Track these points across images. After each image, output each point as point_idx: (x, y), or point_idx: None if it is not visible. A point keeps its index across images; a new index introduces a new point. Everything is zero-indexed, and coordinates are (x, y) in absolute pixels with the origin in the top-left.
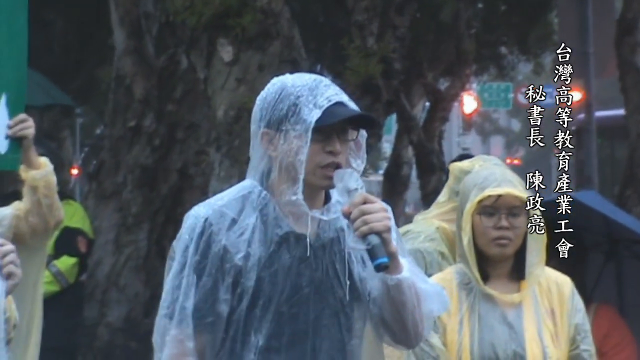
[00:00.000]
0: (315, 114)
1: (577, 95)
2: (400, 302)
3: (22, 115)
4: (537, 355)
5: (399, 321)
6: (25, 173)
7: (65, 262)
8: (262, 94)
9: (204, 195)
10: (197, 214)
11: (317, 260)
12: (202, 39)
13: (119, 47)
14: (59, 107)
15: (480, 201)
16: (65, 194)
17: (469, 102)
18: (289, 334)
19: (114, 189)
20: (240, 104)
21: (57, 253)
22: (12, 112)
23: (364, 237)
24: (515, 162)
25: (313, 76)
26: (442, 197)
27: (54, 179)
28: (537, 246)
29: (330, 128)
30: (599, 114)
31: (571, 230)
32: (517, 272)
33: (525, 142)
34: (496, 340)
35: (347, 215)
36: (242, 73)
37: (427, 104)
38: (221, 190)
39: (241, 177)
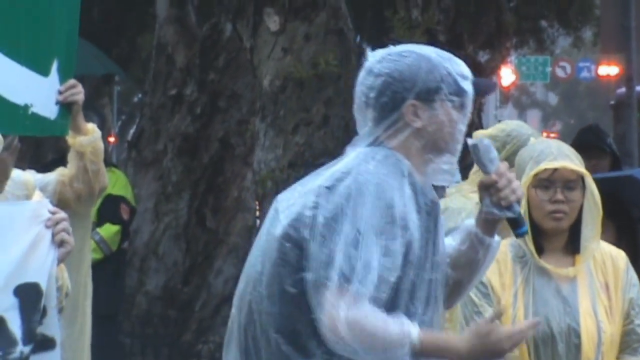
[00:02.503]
0: (468, 85)
1: (615, 70)
2: (489, 263)
3: (72, 81)
4: (591, 330)
5: (471, 282)
6: (72, 139)
7: (108, 230)
8: (394, 65)
9: (245, 165)
10: (356, 179)
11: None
12: (248, 8)
13: (161, 15)
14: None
15: (536, 174)
16: (107, 161)
17: (506, 75)
18: (434, 300)
19: (153, 157)
20: (287, 73)
21: (100, 221)
22: (63, 78)
23: (509, 206)
24: (552, 135)
25: (432, 47)
26: (474, 168)
27: (101, 145)
28: (592, 220)
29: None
30: (638, 88)
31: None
32: (572, 245)
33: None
34: (550, 314)
35: (489, 185)
36: (289, 43)
37: None
38: (266, 161)
39: (286, 147)
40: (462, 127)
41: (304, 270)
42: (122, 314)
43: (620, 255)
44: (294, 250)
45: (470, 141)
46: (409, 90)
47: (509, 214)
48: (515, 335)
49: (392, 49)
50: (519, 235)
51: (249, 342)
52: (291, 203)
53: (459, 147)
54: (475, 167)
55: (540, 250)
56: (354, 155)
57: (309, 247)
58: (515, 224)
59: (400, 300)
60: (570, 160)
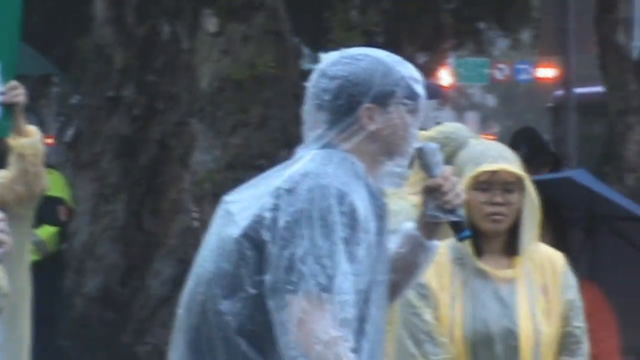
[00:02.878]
0: (421, 89)
1: (553, 72)
2: (423, 266)
3: (14, 83)
4: (529, 332)
5: (407, 285)
6: (14, 141)
7: (46, 231)
8: (349, 68)
9: (183, 166)
10: (317, 182)
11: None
12: (186, 10)
13: (99, 17)
14: (36, 76)
15: (475, 177)
16: (45, 163)
17: (445, 77)
18: (382, 302)
19: (91, 158)
20: (225, 75)
21: (38, 222)
22: (4, 80)
23: (453, 209)
24: (490, 137)
25: (383, 51)
26: (413, 169)
27: (42, 147)
28: (531, 222)
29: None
30: (576, 90)
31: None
32: (511, 247)
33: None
34: (488, 316)
35: (433, 189)
36: (227, 44)
37: None
38: (204, 162)
39: (224, 148)
40: (415, 131)
41: (263, 272)
42: (60, 316)
43: (558, 257)
44: (253, 252)
45: (416, 144)
46: (365, 93)
47: (453, 218)
48: None
49: (346, 52)
50: (461, 239)
51: (202, 343)
52: (246, 205)
53: (411, 150)
54: (414, 169)
55: (479, 252)
56: (309, 157)
57: (269, 250)
58: (457, 228)
59: (358, 305)
60: (509, 162)
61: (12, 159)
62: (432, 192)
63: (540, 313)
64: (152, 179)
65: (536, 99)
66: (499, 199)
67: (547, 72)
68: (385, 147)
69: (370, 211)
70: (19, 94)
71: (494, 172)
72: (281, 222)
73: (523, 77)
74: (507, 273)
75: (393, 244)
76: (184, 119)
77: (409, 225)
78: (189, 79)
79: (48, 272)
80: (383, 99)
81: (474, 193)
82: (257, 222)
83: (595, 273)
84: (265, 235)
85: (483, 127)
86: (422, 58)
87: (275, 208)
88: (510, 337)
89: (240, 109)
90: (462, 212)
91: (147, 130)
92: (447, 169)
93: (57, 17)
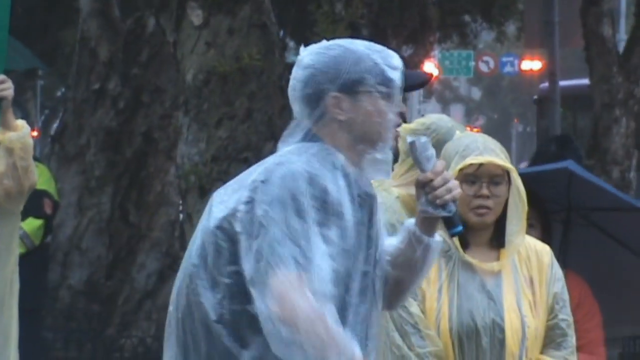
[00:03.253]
0: (397, 75)
1: (538, 65)
2: (429, 262)
3: (1, 76)
4: (515, 324)
5: (414, 281)
6: (2, 135)
7: (31, 224)
8: (318, 58)
9: (168, 159)
10: (289, 169)
11: (376, 221)
12: (171, 2)
13: (85, 10)
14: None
15: (461, 169)
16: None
17: (430, 70)
18: (369, 293)
19: (76, 151)
20: (210, 67)
21: (23, 215)
22: None
23: (444, 205)
24: (475, 130)
25: (363, 41)
26: (399, 161)
27: (30, 141)
28: (517, 215)
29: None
30: (561, 83)
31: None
32: (497, 240)
33: (485, 110)
34: (475, 308)
35: (425, 184)
36: (212, 37)
37: None
38: (189, 155)
39: (209, 141)
40: (392, 116)
41: (236, 263)
42: (45, 309)
43: (545, 250)
44: (227, 243)
45: (408, 138)
46: (331, 82)
47: (444, 213)
48: None
49: (324, 43)
50: (453, 234)
51: (187, 335)
52: (225, 199)
53: (391, 135)
54: (399, 161)
55: (465, 245)
56: (287, 150)
57: (243, 241)
58: (449, 223)
59: (338, 289)
60: (496, 154)
61: (0, 154)
62: (423, 187)
63: (527, 306)
64: (137, 171)
65: (521, 92)
66: (485, 191)
67: (532, 64)
68: (361, 135)
69: (348, 200)
70: (6, 87)
71: (480, 165)
72: (259, 212)
73: (508, 69)
74: (493, 266)
75: (395, 239)
76: (169, 112)
77: (410, 221)
78: (174, 72)
79: (33, 265)
80: (351, 87)
81: (460, 185)
82: (231, 215)
83: (570, 264)
84: (238, 227)
85: (468, 119)
86: (407, 51)
87: (250, 200)
88: (497, 329)
89: (225, 101)
90: (454, 207)
91: (132, 123)
92: (439, 164)
93: (42, 9)
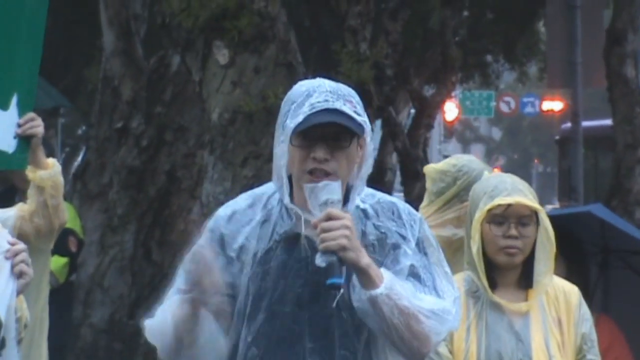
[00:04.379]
0: (297, 120)
1: (559, 105)
2: (379, 317)
3: (32, 114)
4: None
5: (386, 335)
6: (32, 173)
7: (56, 262)
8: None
9: (191, 198)
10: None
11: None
12: (198, 41)
13: (108, 48)
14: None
15: (489, 209)
16: None
17: (450, 110)
18: (281, 333)
19: (99, 189)
20: (235, 106)
21: None
22: (22, 112)
23: (324, 254)
24: (496, 170)
25: (318, 82)
26: (424, 202)
27: (61, 179)
28: (545, 255)
29: (314, 134)
30: (584, 124)
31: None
32: (525, 280)
33: (506, 151)
34: (503, 349)
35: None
36: (238, 76)
37: (412, 110)
38: (214, 194)
39: (234, 180)
40: (283, 162)
41: None
42: (68, 347)
43: (573, 291)
44: None
45: (307, 185)
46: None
47: (318, 261)
48: None
49: None
50: (328, 285)
51: None
52: None
53: (284, 181)
54: (424, 202)
55: (493, 285)
56: None
57: None
58: (327, 273)
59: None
60: (524, 195)
61: (31, 192)
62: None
63: (555, 346)
64: (160, 210)
65: (541, 132)
66: (513, 232)
67: (552, 105)
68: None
69: (258, 235)
70: (36, 125)
71: (508, 206)
72: None
73: (529, 110)
74: (521, 306)
75: None
76: (192, 151)
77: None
78: (198, 110)
79: (58, 303)
80: (280, 129)
81: (488, 226)
82: None
83: (609, 307)
84: None
85: (488, 159)
86: (429, 90)
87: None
88: None
89: (251, 140)
90: (332, 257)
91: (156, 161)
92: (327, 211)
93: (64, 47)
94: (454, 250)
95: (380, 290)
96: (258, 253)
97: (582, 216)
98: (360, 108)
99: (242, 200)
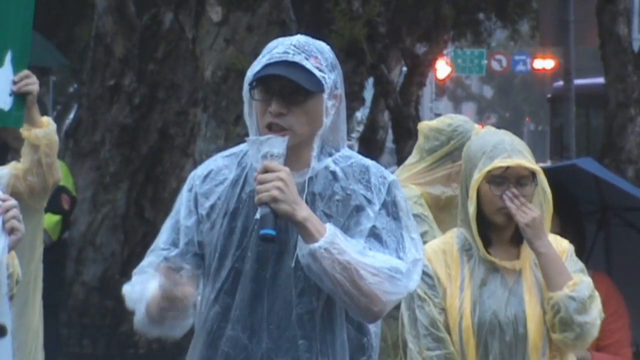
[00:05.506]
0: (254, 70)
1: (550, 63)
2: (320, 272)
3: (26, 72)
4: (537, 319)
5: (331, 292)
6: (27, 131)
7: (49, 220)
8: None
9: (184, 155)
10: None
11: (282, 221)
12: None
13: (100, 6)
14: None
15: (489, 170)
16: None
17: (442, 68)
18: (244, 291)
19: (91, 147)
20: (229, 64)
21: None
22: (17, 69)
23: (260, 204)
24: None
25: (294, 37)
26: (412, 158)
27: (56, 138)
28: (543, 214)
29: (271, 88)
30: (576, 82)
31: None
32: (519, 237)
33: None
34: (496, 305)
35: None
36: (231, 33)
37: (404, 68)
38: (207, 151)
39: (227, 138)
40: (245, 111)
41: None
42: (61, 305)
43: (563, 243)
44: None
45: (250, 139)
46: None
47: (257, 214)
48: None
49: None
50: (260, 239)
51: None
52: None
53: (250, 133)
54: (412, 158)
55: (487, 242)
56: None
57: None
58: (260, 225)
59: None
60: (523, 156)
61: (25, 150)
62: None
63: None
64: (152, 168)
65: (533, 91)
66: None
67: (544, 63)
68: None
69: (229, 194)
70: (31, 82)
71: (508, 167)
72: None
73: (520, 68)
74: (514, 264)
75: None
76: (185, 108)
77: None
78: (190, 68)
79: (50, 261)
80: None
81: (487, 186)
82: None
83: (610, 265)
84: None
85: (480, 118)
86: (421, 48)
87: None
88: (519, 324)
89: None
90: (265, 208)
91: (148, 119)
92: (264, 164)
93: (56, 5)
94: (440, 208)
95: (319, 244)
96: (227, 212)
97: (573, 171)
98: (327, 66)
99: (220, 159)
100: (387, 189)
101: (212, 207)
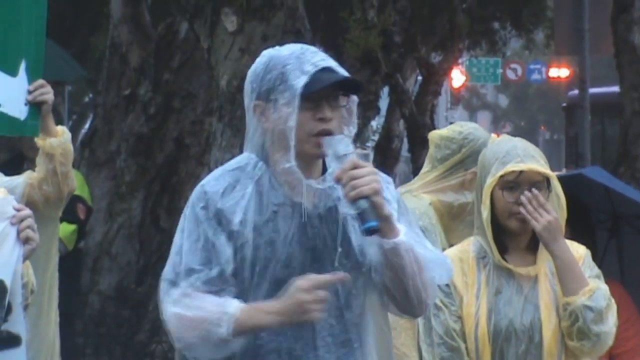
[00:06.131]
0: (302, 80)
1: (565, 72)
2: (399, 267)
3: (41, 81)
4: (553, 326)
5: (400, 287)
6: (42, 141)
7: (65, 229)
8: (252, 67)
9: (200, 165)
10: (198, 186)
11: (314, 229)
12: (206, 8)
13: (115, 15)
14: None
15: (502, 176)
16: None
17: (457, 77)
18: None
19: (106, 157)
20: (244, 74)
21: None
22: (31, 79)
23: (354, 202)
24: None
25: (300, 45)
26: (425, 167)
27: (71, 147)
28: None
29: (319, 95)
30: (591, 90)
31: (579, 207)
32: (536, 244)
33: (512, 118)
34: (512, 312)
35: (338, 182)
36: (246, 43)
37: (420, 77)
38: (223, 160)
39: (242, 147)
40: (292, 124)
41: None
42: (77, 314)
43: (580, 249)
44: None
45: (325, 138)
46: (253, 90)
47: (351, 211)
48: (312, 285)
49: (264, 52)
50: (365, 232)
51: None
52: None
53: (292, 144)
54: (425, 167)
55: (503, 250)
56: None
57: None
58: (361, 220)
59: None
60: (536, 161)
61: (40, 160)
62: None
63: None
64: (168, 177)
65: (548, 99)
66: None
67: (559, 72)
68: (273, 143)
69: (254, 208)
70: (46, 91)
71: (521, 172)
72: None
73: (535, 77)
74: (529, 270)
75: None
76: (200, 118)
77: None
78: (206, 77)
79: (66, 271)
80: (266, 95)
81: (500, 192)
82: None
83: (623, 273)
84: None
85: (495, 126)
86: (436, 57)
87: None
88: (535, 332)
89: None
90: (364, 203)
91: (163, 128)
92: (347, 162)
93: (71, 15)
94: (452, 216)
95: (402, 237)
96: (257, 225)
97: (582, 180)
98: None
99: (227, 175)
100: (392, 186)
101: (242, 222)
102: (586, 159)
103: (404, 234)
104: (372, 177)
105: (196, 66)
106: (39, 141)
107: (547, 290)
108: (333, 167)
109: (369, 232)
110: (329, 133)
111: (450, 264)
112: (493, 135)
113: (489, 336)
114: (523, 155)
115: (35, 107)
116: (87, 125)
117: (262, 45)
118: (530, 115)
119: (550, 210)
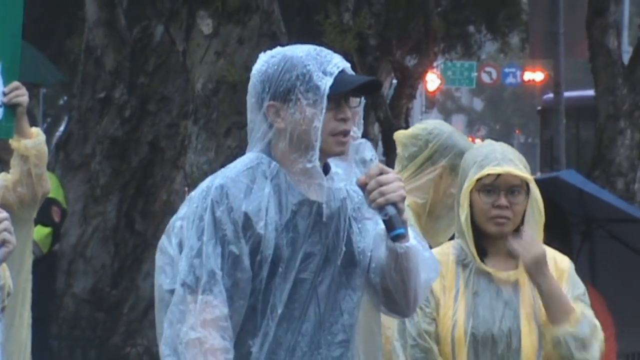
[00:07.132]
0: (328, 81)
1: (540, 76)
2: (406, 270)
3: (16, 83)
4: (532, 333)
5: (401, 289)
6: (17, 142)
7: (39, 232)
8: (261, 67)
9: (175, 168)
10: (209, 183)
11: (328, 227)
12: (182, 12)
13: (90, 19)
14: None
15: (479, 179)
16: None
17: (432, 80)
18: (302, 300)
19: (82, 160)
20: (219, 77)
21: None
22: (6, 81)
23: (380, 208)
24: (477, 141)
25: (311, 46)
26: (395, 169)
27: (45, 148)
28: (535, 225)
29: (339, 95)
30: (565, 94)
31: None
32: None
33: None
34: (491, 317)
35: (362, 186)
36: (222, 46)
37: (394, 81)
38: (198, 164)
39: (218, 150)
40: (317, 124)
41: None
42: (51, 317)
43: (563, 259)
44: (162, 259)
45: (352, 143)
46: (267, 91)
47: (378, 216)
48: None
49: (271, 51)
50: (393, 238)
51: None
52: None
53: (317, 144)
54: (395, 169)
55: (483, 254)
56: (236, 161)
57: (171, 255)
58: (388, 226)
59: (253, 299)
60: (514, 165)
61: (14, 161)
62: (364, 191)
63: (543, 314)
64: (143, 180)
65: (523, 103)
66: (503, 201)
67: (534, 75)
68: (294, 143)
69: (274, 209)
70: (21, 93)
71: (498, 175)
72: (177, 225)
73: (510, 80)
74: (509, 275)
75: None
76: (176, 121)
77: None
78: (181, 81)
79: (41, 273)
80: (285, 95)
81: (478, 195)
82: (168, 230)
83: (595, 276)
84: (166, 242)
85: (470, 130)
86: (411, 61)
87: (180, 215)
88: (513, 338)
89: (234, 110)
90: (391, 210)
91: (138, 131)
92: (373, 167)
93: (48, 18)
94: (430, 216)
95: (412, 241)
96: (278, 225)
97: (556, 183)
98: None
99: (242, 176)
100: None
101: (266, 224)
102: (561, 162)
103: (413, 238)
104: (398, 184)
105: (171, 69)
106: (13, 143)
107: (528, 297)
108: (358, 172)
109: (397, 238)
110: (347, 133)
111: (438, 264)
112: (469, 137)
113: (465, 339)
114: (501, 159)
115: (10, 109)
116: (61, 128)
117: (237, 48)
118: (505, 119)
119: (538, 242)
